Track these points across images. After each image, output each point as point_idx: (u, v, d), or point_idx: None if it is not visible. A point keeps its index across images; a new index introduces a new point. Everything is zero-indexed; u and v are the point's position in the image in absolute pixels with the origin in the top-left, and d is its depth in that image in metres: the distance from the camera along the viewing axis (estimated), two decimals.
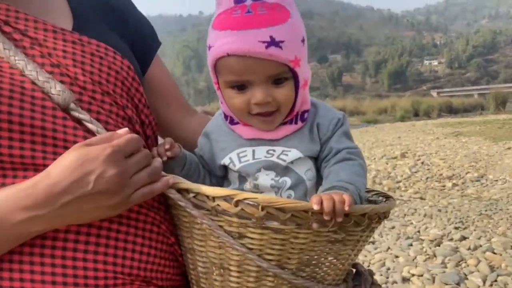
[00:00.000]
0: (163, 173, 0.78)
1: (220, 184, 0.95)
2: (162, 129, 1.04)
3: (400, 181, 7.02)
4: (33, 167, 0.71)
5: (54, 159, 0.71)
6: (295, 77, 0.83)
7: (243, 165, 0.87)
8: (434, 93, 77.89)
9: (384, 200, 0.95)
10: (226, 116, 0.92)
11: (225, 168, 0.92)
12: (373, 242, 4.14)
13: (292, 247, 0.75)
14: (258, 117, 0.85)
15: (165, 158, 0.83)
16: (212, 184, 0.94)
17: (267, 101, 0.82)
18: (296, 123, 0.88)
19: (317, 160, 0.89)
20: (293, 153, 0.86)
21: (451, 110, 36.13)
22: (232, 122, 0.91)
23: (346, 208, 0.70)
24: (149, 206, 0.82)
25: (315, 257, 0.77)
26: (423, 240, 4.14)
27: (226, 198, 0.72)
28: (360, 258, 3.80)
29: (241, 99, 0.83)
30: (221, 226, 0.75)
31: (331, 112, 0.91)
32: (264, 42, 0.76)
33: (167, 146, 0.83)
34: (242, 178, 0.89)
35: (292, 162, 0.86)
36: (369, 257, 3.84)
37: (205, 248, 0.79)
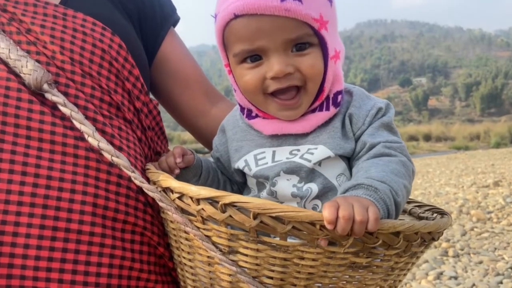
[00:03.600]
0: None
1: (241, 192, 0.80)
2: (181, 117, 0.92)
3: (492, 212, 6.30)
4: None
5: (13, 150, 0.63)
6: (322, 45, 0.65)
7: (260, 168, 0.70)
8: None
9: (439, 217, 0.73)
10: (242, 109, 0.75)
11: (243, 173, 0.76)
12: (455, 278, 3.67)
13: (298, 270, 0.57)
14: (277, 100, 0.67)
15: (177, 171, 0.71)
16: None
17: (288, 72, 0.64)
18: (328, 109, 0.69)
19: (350, 161, 0.70)
20: (320, 151, 0.67)
21: None
22: (249, 115, 0.74)
23: (371, 227, 0.52)
24: (127, 206, 0.70)
25: (330, 285, 0.58)
26: None
27: (211, 201, 0.57)
28: None
29: (255, 75, 0.66)
30: (208, 237, 0.60)
31: (371, 101, 0.71)
32: None
33: (178, 160, 0.70)
34: (261, 185, 0.73)
35: (320, 164, 0.67)
36: None
37: (194, 263, 0.65)
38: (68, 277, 0.64)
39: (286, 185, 0.68)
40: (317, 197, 0.68)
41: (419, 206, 0.80)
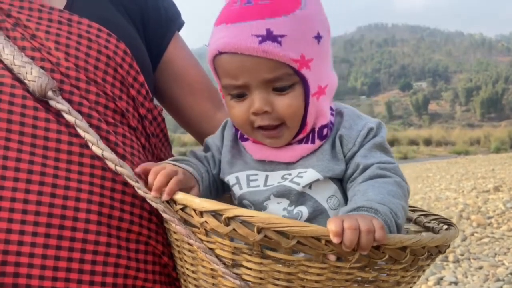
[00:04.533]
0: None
1: None
2: (185, 121, 0.92)
3: (492, 217, 6.30)
4: None
5: (18, 158, 0.62)
6: (303, 82, 0.66)
7: (251, 190, 0.71)
8: None
9: (445, 228, 0.72)
10: (237, 129, 0.76)
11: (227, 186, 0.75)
12: (455, 283, 3.66)
13: (302, 284, 0.57)
14: (262, 132, 0.69)
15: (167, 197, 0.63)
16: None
17: (265, 110, 0.66)
18: (313, 142, 0.70)
19: (343, 183, 0.70)
20: (309, 174, 0.68)
21: None
22: (242, 137, 0.76)
23: (377, 242, 0.52)
24: (132, 215, 0.69)
25: None
26: None
27: (215, 214, 0.57)
28: None
29: (241, 109, 0.68)
30: (212, 249, 0.59)
31: (361, 121, 0.71)
32: (258, 36, 0.63)
33: (168, 188, 0.62)
34: (243, 207, 0.72)
35: (310, 187, 0.68)
36: None
37: (197, 274, 0.64)
38: (73, 286, 0.64)
39: (276, 208, 0.69)
40: (308, 220, 0.68)
41: (425, 215, 0.79)
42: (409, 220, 0.81)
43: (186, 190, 0.65)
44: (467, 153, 26.00)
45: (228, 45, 0.65)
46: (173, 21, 0.89)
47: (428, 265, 0.64)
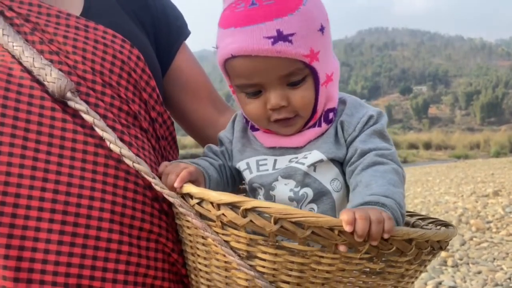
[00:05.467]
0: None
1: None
2: (190, 126, 0.95)
3: (491, 222, 6.30)
4: (6, 166, 0.64)
5: (35, 157, 0.64)
6: (313, 73, 0.70)
7: (260, 174, 0.75)
8: None
9: (444, 228, 0.75)
10: (247, 121, 0.81)
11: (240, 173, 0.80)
12: None
13: (314, 274, 0.59)
14: (277, 123, 0.74)
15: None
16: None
17: (282, 105, 0.70)
18: (320, 125, 0.74)
19: (343, 166, 0.74)
20: (313, 155, 0.72)
21: None
22: (253, 127, 0.80)
23: (386, 233, 0.55)
24: (144, 213, 0.71)
25: None
26: None
27: (232, 206, 0.59)
28: None
29: (256, 105, 0.73)
30: (227, 242, 0.62)
31: (363, 109, 0.76)
32: (269, 37, 0.66)
33: (177, 184, 0.66)
34: (254, 190, 0.77)
35: (314, 169, 0.72)
36: None
37: (210, 268, 0.67)
38: (86, 282, 0.65)
39: (284, 189, 0.73)
40: (313, 201, 0.72)
41: (422, 219, 0.81)
42: (406, 224, 0.83)
43: (196, 184, 0.68)
44: (467, 157, 26.02)
45: (241, 49, 0.67)
46: (182, 31, 0.93)
47: (430, 260, 0.66)
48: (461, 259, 4.37)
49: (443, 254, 4.42)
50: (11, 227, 0.63)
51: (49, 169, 0.66)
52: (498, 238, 5.43)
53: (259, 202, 0.58)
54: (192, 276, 0.73)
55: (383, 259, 0.60)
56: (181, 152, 0.92)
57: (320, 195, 0.72)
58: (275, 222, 0.57)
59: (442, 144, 36.91)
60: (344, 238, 0.56)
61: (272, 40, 0.66)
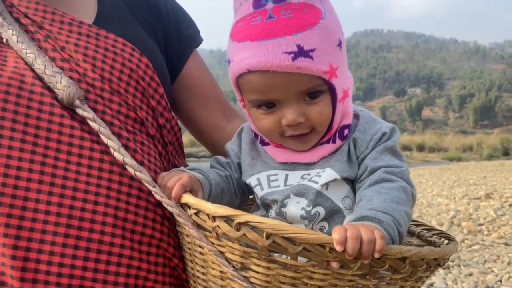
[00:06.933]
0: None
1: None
2: (198, 132, 0.97)
3: (482, 224, 6.35)
4: (16, 171, 0.66)
5: (43, 162, 0.66)
6: (331, 90, 0.69)
7: (272, 191, 0.74)
8: None
9: (446, 242, 0.76)
10: (256, 135, 0.80)
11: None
12: None
13: None
14: (292, 139, 0.72)
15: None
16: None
17: (300, 122, 0.68)
18: (334, 141, 0.73)
19: (354, 183, 0.74)
20: (327, 174, 0.71)
21: None
22: (263, 142, 0.79)
23: (377, 252, 0.55)
24: (146, 219, 0.73)
25: None
26: None
27: (227, 219, 0.61)
28: None
29: (270, 120, 0.70)
30: (222, 253, 0.64)
31: (376, 125, 0.74)
32: (290, 53, 0.64)
33: (173, 194, 0.67)
34: (267, 206, 0.76)
35: (327, 187, 0.71)
36: None
37: (207, 276, 0.68)
38: (88, 284, 0.67)
39: (296, 207, 0.72)
40: (324, 219, 0.72)
41: (428, 230, 0.82)
42: (412, 234, 0.84)
43: (192, 193, 0.69)
44: (460, 159, 26.17)
45: (259, 64, 0.64)
46: (193, 38, 0.94)
47: (427, 276, 0.66)
48: (452, 261, 4.41)
49: None
50: (18, 229, 0.65)
51: (56, 174, 0.68)
52: (489, 240, 5.48)
53: (252, 217, 0.59)
54: (191, 282, 0.75)
55: (377, 276, 0.60)
56: None
57: (332, 213, 0.71)
58: (267, 237, 0.58)
59: (435, 146, 37.10)
60: (336, 255, 0.57)
61: (292, 55, 0.63)
